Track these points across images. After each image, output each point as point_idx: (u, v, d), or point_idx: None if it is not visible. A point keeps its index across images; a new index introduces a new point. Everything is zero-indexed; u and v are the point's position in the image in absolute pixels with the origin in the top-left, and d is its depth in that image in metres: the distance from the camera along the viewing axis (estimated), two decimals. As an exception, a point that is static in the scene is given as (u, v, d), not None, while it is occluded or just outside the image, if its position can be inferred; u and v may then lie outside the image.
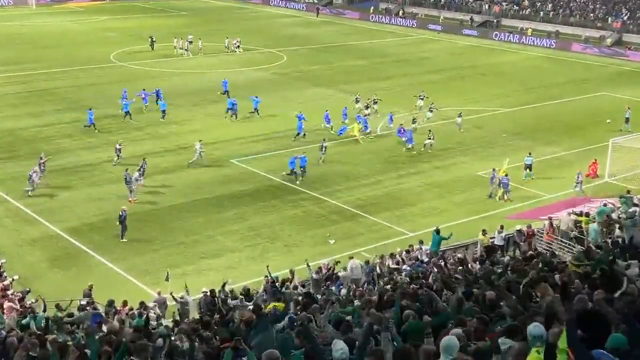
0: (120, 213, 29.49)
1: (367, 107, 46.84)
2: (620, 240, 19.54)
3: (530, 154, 37.67)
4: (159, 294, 23.08)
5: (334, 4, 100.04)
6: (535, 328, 8.14)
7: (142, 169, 34.83)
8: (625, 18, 78.32)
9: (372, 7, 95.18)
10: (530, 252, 22.61)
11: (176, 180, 35.95)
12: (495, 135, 43.50)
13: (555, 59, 69.83)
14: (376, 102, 47.60)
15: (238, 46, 68.72)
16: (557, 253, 22.41)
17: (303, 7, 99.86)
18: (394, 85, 57.05)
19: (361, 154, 40.25)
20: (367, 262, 25.19)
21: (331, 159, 38.79)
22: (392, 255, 25.71)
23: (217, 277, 25.09)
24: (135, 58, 64.18)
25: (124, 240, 29.39)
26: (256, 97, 47.38)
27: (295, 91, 54.06)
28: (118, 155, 37.57)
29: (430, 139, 40.66)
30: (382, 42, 77.47)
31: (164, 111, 45.90)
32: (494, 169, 34.91)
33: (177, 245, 29.28)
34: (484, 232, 27.47)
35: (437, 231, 27.10)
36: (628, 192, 30.01)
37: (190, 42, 68.23)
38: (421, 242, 27.07)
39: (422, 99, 48.53)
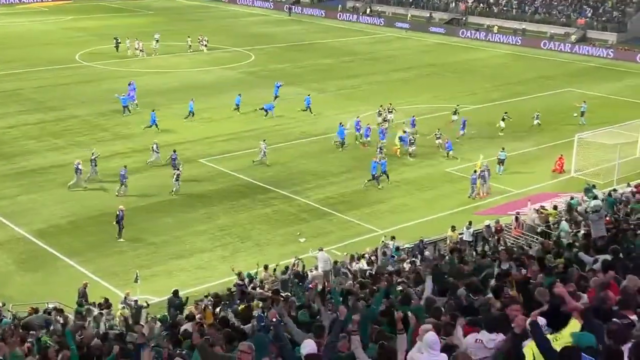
0: (117, 212, 29.29)
1: (384, 119, 44.13)
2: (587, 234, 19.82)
3: (503, 148, 38.21)
4: (127, 295, 22.87)
5: (301, 3, 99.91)
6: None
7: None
8: (589, 15, 79.35)
9: (339, 6, 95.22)
10: (502, 247, 22.87)
11: (145, 181, 35.63)
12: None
13: (522, 56, 70.51)
14: (391, 112, 44.93)
15: (205, 45, 68.32)
16: (524, 248, 22.59)
17: (270, 6, 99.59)
18: (362, 83, 57.17)
19: (331, 152, 40.28)
20: (336, 263, 25.23)
21: (301, 158, 38.74)
22: (362, 257, 25.73)
23: (188, 277, 24.96)
24: (101, 58, 63.48)
25: (121, 240, 29.17)
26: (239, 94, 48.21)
27: (264, 90, 53.79)
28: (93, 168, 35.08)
29: (438, 138, 40.62)
30: (350, 40, 77.58)
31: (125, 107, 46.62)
32: (475, 171, 35.01)
33: (146, 246, 29.03)
34: (453, 229, 27.67)
35: (392, 238, 27.55)
36: (594, 186, 30.44)
37: (157, 41, 67.81)
38: (393, 238, 27.26)
39: (455, 113, 45.68)
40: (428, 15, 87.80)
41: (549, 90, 55.04)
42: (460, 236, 27.47)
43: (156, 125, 42.87)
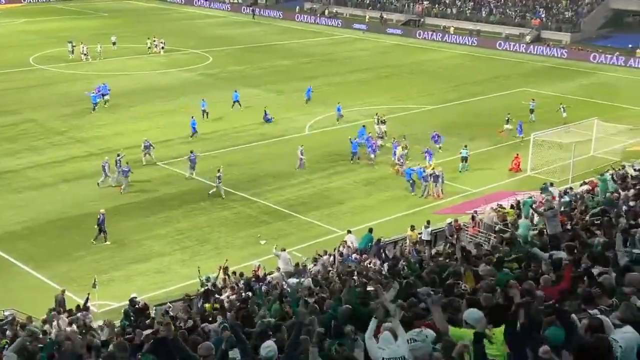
0: (98, 216, 29.04)
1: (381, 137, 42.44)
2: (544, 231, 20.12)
3: (466, 146, 38.73)
4: (86, 301, 22.53)
5: (259, 4, 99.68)
6: (472, 313, 8.34)
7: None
8: (543, 16, 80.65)
9: (297, 7, 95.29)
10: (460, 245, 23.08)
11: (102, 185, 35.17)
12: (421, 133, 44.04)
13: (478, 57, 71.34)
14: (384, 122, 43.42)
15: (162, 47, 67.76)
16: (482, 246, 22.85)
17: (227, 7, 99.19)
18: (321, 84, 57.20)
19: (290, 154, 40.17)
20: (297, 265, 25.21)
21: (260, 160, 38.64)
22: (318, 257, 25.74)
23: (146, 282, 24.71)
24: (56, 61, 62.50)
25: (107, 243, 28.95)
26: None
27: (223, 92, 53.55)
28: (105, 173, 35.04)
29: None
30: (308, 41, 77.66)
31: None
32: (424, 168, 35.35)
33: (104, 250, 28.65)
34: (412, 228, 27.86)
35: (370, 230, 27.63)
36: (551, 184, 30.94)
37: (114, 44, 67.18)
38: (349, 232, 27.38)
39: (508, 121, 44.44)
40: (384, 16, 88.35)
41: (504, 90, 55.78)
42: (419, 236, 27.68)
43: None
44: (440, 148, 40.33)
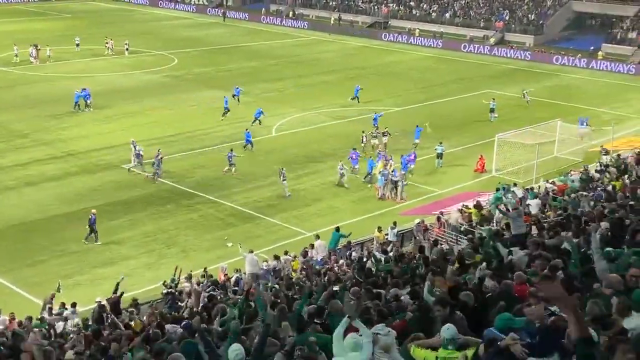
0: (90, 217, 28.86)
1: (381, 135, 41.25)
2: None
3: (441, 142, 39.46)
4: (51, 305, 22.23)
5: (224, 5, 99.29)
6: (448, 330, 8.29)
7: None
8: (507, 18, 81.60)
9: (263, 9, 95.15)
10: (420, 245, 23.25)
11: (65, 188, 34.74)
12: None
13: (443, 59, 71.92)
14: (385, 135, 41.33)
15: (127, 49, 67.16)
16: (449, 246, 23.05)
17: (193, 9, 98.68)
18: (288, 86, 57.25)
19: (256, 156, 40.12)
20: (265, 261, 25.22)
21: (226, 162, 38.41)
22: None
23: (112, 286, 24.34)
24: (18, 63, 61.51)
25: (98, 243, 28.88)
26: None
27: (188, 93, 53.37)
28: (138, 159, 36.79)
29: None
30: (274, 43, 77.60)
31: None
32: (380, 171, 35.22)
33: (68, 254, 28.29)
34: (379, 229, 28.00)
35: (337, 229, 27.72)
36: (515, 184, 31.29)
37: (78, 45, 66.49)
38: (317, 237, 27.29)
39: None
40: (351, 19, 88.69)
41: (469, 92, 56.25)
42: (385, 237, 27.83)
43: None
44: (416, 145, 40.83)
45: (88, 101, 47.62)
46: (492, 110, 48.16)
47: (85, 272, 26.97)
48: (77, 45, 67.00)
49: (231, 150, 37.53)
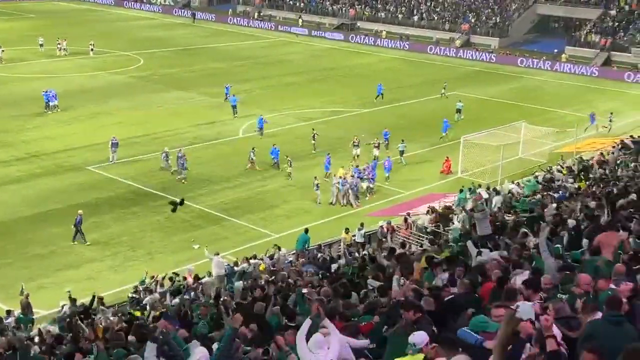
0: (76, 217, 28.71)
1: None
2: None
3: (403, 140, 40.08)
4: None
5: (191, 6, 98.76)
6: (414, 337, 8.30)
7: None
8: (472, 21, 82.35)
9: (230, 10, 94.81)
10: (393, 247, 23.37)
11: (29, 190, 34.25)
12: (354, 136, 44.23)
13: (409, 61, 72.34)
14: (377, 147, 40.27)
15: (92, 49, 66.41)
16: (414, 247, 23.22)
17: (159, 10, 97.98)
18: (255, 87, 57.11)
19: (223, 157, 39.98)
20: (235, 264, 25.12)
21: (193, 163, 38.23)
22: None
23: (76, 288, 24.09)
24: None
25: (88, 243, 28.83)
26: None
27: (154, 94, 52.99)
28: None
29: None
30: (241, 44, 77.38)
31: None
32: (340, 176, 34.83)
33: (32, 257, 27.88)
34: (347, 231, 28.08)
35: (306, 231, 27.70)
36: (479, 185, 31.60)
37: (42, 46, 65.63)
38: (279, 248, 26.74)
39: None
40: (319, 20, 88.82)
41: (435, 93, 56.62)
42: (353, 238, 27.91)
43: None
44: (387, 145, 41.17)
45: (52, 103, 46.92)
46: (458, 111, 48.74)
47: (50, 275, 26.62)
48: (41, 45, 66.11)
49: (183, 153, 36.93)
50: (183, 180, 35.83)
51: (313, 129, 42.59)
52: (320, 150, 40.43)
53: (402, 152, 39.85)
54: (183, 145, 40.56)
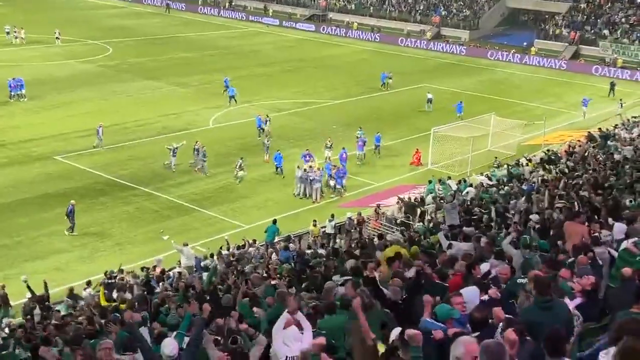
0: (68, 207, 28.45)
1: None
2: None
3: (360, 128, 40.33)
4: None
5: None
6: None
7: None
8: (443, 13, 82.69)
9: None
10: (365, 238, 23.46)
11: (-6, 180, 33.75)
12: (325, 127, 44.31)
13: (380, 52, 72.44)
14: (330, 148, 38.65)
15: (58, 37, 65.40)
16: (385, 237, 23.27)
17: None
18: (224, 77, 56.68)
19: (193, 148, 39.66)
20: (211, 255, 25.04)
21: (162, 154, 37.94)
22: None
23: (42, 279, 23.80)
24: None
25: (75, 234, 28.47)
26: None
27: (124, 84, 52.46)
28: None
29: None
30: (211, 34, 76.85)
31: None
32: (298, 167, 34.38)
33: (-2, 248, 27.51)
34: (314, 223, 28.05)
35: (274, 221, 27.67)
36: (449, 177, 31.80)
37: (8, 34, 64.57)
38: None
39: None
40: (290, 11, 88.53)
41: (406, 85, 56.80)
42: (322, 229, 27.93)
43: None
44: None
45: (16, 92, 46.15)
46: (429, 101, 49.22)
47: (16, 265, 26.22)
48: (8, 33, 65.05)
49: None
50: (205, 172, 35.50)
51: (267, 115, 42.39)
52: (273, 139, 39.97)
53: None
54: (152, 135, 40.27)
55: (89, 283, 23.07)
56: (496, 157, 37.71)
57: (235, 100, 47.95)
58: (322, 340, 8.04)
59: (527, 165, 32.69)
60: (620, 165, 25.74)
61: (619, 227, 13.47)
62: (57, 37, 65.23)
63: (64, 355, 11.78)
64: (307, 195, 33.98)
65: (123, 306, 16.16)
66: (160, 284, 21.67)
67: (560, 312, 8.23)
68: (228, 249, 25.43)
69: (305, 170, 34.07)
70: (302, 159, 35.62)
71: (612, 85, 56.18)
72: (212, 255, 24.92)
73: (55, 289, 23.58)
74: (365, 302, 9.10)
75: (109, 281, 21.88)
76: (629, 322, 6.42)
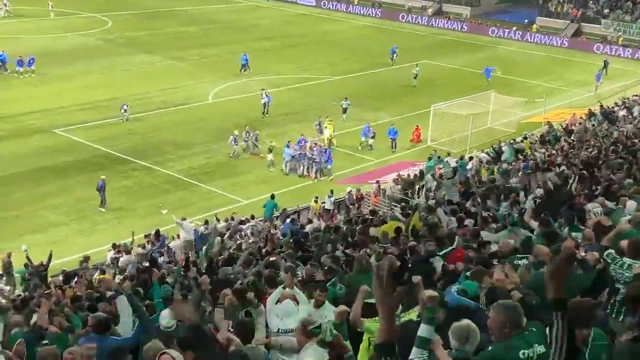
0: (99, 182, 28.55)
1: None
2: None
3: (346, 98, 41.15)
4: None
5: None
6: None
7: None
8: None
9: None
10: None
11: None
12: (325, 103, 44.09)
13: (381, 28, 71.98)
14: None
15: (51, 10, 64.75)
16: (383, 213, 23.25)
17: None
18: (224, 52, 56.40)
19: (192, 123, 39.55)
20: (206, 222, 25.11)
21: (162, 128, 37.84)
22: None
23: (41, 253, 23.79)
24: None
25: (103, 210, 28.58)
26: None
27: (122, 57, 52.14)
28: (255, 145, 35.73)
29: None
30: (210, 8, 76.22)
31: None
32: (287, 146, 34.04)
33: (-4, 221, 27.46)
34: (315, 200, 27.98)
35: (272, 196, 27.62)
36: (448, 154, 31.69)
37: (6, 5, 64.09)
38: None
39: None
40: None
41: (407, 62, 56.45)
42: (322, 205, 27.90)
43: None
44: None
45: (16, 68, 45.93)
46: (415, 77, 49.34)
47: (13, 239, 26.17)
48: (6, 5, 64.50)
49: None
50: (261, 155, 34.99)
51: (263, 89, 42.15)
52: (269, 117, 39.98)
53: (345, 110, 40.54)
54: (151, 109, 40.15)
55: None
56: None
57: (247, 68, 48.63)
58: (344, 308, 7.89)
59: (523, 142, 32.60)
60: (617, 143, 25.65)
61: (631, 205, 13.36)
62: (50, 9, 64.60)
63: None
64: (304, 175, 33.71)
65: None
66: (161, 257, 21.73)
67: None
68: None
69: (310, 147, 33.79)
70: (297, 145, 34.93)
71: (606, 63, 55.79)
72: (206, 222, 25.05)
73: (53, 262, 23.59)
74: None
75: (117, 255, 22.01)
76: None
